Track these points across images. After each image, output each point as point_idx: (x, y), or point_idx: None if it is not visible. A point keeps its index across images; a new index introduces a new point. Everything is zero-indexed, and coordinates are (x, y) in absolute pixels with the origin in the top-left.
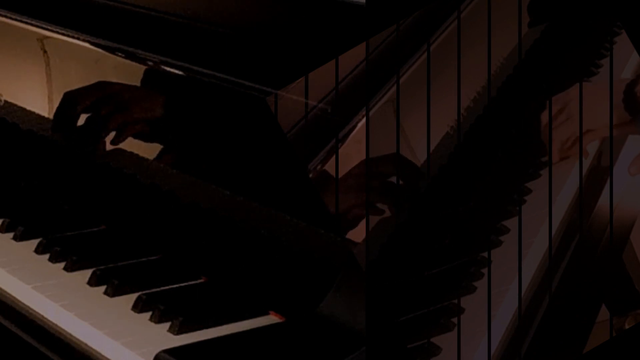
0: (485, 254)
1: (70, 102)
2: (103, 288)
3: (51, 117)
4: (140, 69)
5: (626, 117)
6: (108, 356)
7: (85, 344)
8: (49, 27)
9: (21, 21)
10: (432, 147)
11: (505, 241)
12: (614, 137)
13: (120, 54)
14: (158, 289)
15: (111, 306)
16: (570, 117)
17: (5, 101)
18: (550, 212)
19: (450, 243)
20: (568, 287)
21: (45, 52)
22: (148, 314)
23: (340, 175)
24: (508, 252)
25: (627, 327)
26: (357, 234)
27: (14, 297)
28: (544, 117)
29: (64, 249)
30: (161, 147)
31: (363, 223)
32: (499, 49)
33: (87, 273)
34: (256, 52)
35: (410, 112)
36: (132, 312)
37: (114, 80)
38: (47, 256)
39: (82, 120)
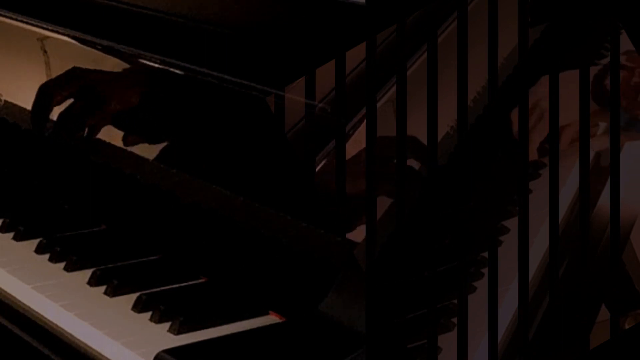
0: (485, 254)
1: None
2: (103, 288)
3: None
4: (140, 69)
5: (594, 106)
6: (108, 356)
7: (85, 344)
8: (49, 27)
9: (21, 21)
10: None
11: (505, 241)
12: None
13: (120, 54)
14: (158, 289)
15: (111, 306)
16: (542, 116)
17: (5, 101)
18: (557, 211)
19: (450, 243)
20: (568, 287)
21: (45, 52)
22: (148, 314)
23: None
24: (508, 252)
25: (627, 327)
26: (357, 234)
27: (14, 297)
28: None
29: (64, 249)
30: (161, 146)
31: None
32: (499, 49)
33: (87, 273)
34: (256, 52)
35: (410, 112)
36: (132, 312)
37: (114, 80)
38: (47, 256)
39: (82, 120)
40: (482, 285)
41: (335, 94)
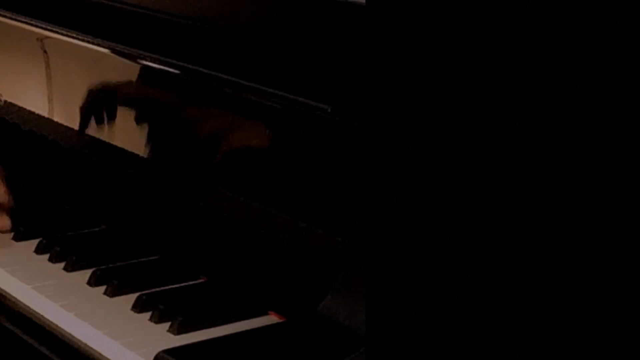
0: None
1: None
2: (103, 288)
3: (51, 117)
4: (140, 69)
5: None
6: (108, 356)
7: (85, 344)
8: (49, 27)
9: (21, 21)
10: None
11: None
12: None
13: (120, 54)
14: (158, 289)
15: (111, 306)
16: None
17: (5, 101)
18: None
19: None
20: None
21: (45, 52)
22: (148, 314)
23: None
24: None
25: None
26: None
27: (14, 297)
28: None
29: (64, 249)
30: (161, 147)
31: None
32: None
33: (87, 273)
34: (255, 52)
35: None
36: (132, 312)
37: (114, 80)
38: (47, 256)
39: (85, 119)
40: None
41: (335, 94)
